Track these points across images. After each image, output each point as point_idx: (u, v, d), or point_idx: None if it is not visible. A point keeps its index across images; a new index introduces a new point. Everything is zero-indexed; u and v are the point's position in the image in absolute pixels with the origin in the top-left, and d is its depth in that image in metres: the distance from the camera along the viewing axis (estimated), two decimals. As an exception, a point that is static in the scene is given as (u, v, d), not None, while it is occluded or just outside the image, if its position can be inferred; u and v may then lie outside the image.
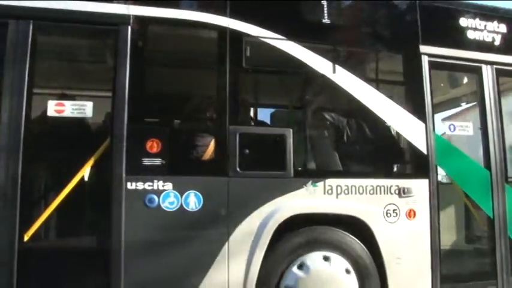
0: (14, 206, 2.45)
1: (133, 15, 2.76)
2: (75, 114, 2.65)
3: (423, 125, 3.27)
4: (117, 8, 2.76)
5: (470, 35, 3.52)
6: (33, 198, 2.66)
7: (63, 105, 2.63)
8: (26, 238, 2.48)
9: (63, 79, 3.05)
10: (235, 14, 2.94)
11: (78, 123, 2.78)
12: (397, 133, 3.28)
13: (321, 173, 3.04)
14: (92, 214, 2.83)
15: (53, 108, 2.59)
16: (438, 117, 3.61)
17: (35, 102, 2.59)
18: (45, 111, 2.57)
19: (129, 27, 2.74)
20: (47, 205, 2.58)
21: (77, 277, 2.56)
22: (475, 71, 3.54)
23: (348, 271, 2.93)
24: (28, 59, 2.58)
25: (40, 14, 2.63)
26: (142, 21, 2.78)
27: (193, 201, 2.73)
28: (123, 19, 2.74)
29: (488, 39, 3.57)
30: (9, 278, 2.40)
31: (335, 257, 2.90)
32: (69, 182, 2.58)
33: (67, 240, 2.77)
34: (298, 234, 2.88)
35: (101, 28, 2.76)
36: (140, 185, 2.65)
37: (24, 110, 2.53)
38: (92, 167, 2.65)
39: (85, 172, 2.62)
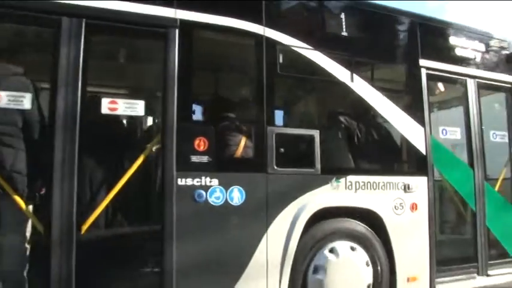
0: (71, 200, 2.51)
1: (179, 19, 2.90)
2: (128, 113, 2.75)
3: (422, 129, 3.75)
4: (165, 11, 2.88)
5: (459, 52, 4.07)
6: (89, 193, 2.70)
7: (116, 103, 2.71)
8: (82, 230, 2.54)
9: (114, 78, 3.08)
10: (271, 23, 3.19)
11: (130, 121, 2.85)
12: (402, 136, 3.71)
13: (343, 171, 3.38)
14: (145, 208, 2.92)
15: (106, 106, 2.67)
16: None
17: (88, 99, 2.64)
18: (98, 108, 2.64)
19: (177, 30, 2.88)
20: (101, 200, 2.65)
21: (132, 266, 2.67)
22: (461, 83, 4.09)
23: (367, 264, 3.31)
24: (81, 57, 2.63)
25: (93, 13, 2.68)
26: (188, 25, 2.92)
27: (236, 196, 2.94)
28: (172, 22, 2.87)
29: (472, 56, 4.13)
30: (68, 267, 2.46)
31: (359, 249, 3.27)
32: (122, 177, 2.68)
33: (121, 233, 2.84)
34: (328, 224, 3.20)
35: (151, 30, 2.86)
36: (189, 181, 2.81)
37: (79, 107, 2.58)
38: (144, 164, 2.76)
39: (137, 168, 2.72)
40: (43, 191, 2.62)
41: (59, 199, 2.49)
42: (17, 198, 2.51)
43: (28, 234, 2.59)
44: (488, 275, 3.95)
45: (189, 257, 2.75)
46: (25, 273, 2.52)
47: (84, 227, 2.55)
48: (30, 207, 2.58)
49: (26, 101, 2.55)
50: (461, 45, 4.11)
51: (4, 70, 2.59)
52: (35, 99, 2.58)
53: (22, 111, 2.56)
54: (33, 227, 2.55)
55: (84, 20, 2.67)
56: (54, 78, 2.59)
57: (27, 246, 2.59)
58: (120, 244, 2.75)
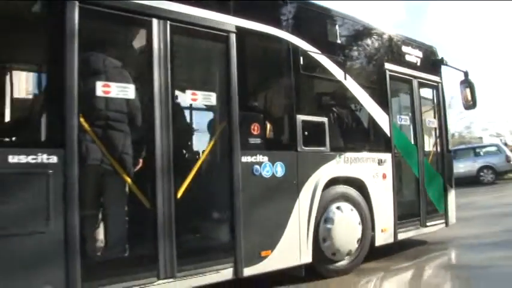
0: (169, 172, 3.05)
1: (236, 25, 3.55)
2: (204, 102, 3.33)
3: (387, 117, 4.96)
4: (227, 18, 3.50)
5: (408, 58, 5.38)
6: (180, 167, 3.20)
7: (196, 94, 3.28)
8: (178, 195, 3.11)
9: (190, 72, 3.53)
10: (294, 32, 4.02)
11: (205, 109, 3.42)
12: (376, 123, 4.87)
13: (342, 149, 4.39)
14: (219, 178, 3.51)
15: (190, 97, 3.22)
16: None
17: (175, 90, 3.16)
18: (183, 100, 3.18)
19: (234, 35, 3.52)
20: (189, 171, 3.21)
21: (213, 220, 3.34)
22: (408, 82, 5.41)
23: (359, 223, 4.40)
24: (169, 53, 3.13)
25: (175, 16, 3.19)
26: (242, 31, 3.58)
27: (279, 169, 3.75)
28: (231, 28, 3.51)
29: (415, 61, 5.49)
30: (170, 224, 3.02)
31: (355, 211, 4.35)
32: (202, 155, 3.28)
33: (203, 196, 3.41)
34: (331, 189, 4.19)
35: (217, 34, 3.45)
36: (249, 159, 3.53)
37: (170, 96, 3.10)
38: (216, 144, 3.38)
39: (212, 147, 3.34)
40: (143, 167, 3.08)
41: (160, 172, 3.02)
42: (125, 175, 2.96)
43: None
44: (426, 226, 5.41)
45: (250, 215, 3.48)
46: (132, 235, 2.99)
47: (179, 193, 3.12)
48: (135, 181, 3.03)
49: (130, 91, 2.98)
50: (410, 53, 5.44)
51: (111, 64, 2.96)
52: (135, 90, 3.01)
53: (127, 100, 2.98)
54: (138, 197, 3.01)
55: (168, 22, 3.16)
56: (147, 72, 3.06)
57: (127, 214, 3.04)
58: (203, 204, 3.37)
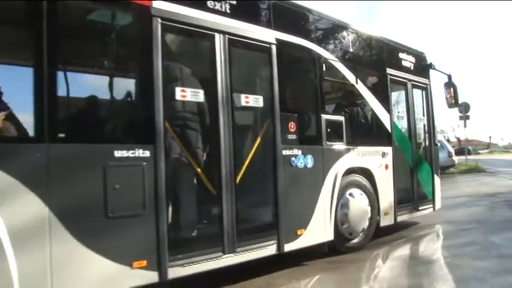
0: (231, 162, 3.63)
1: (275, 38, 4.14)
2: (254, 104, 3.91)
3: (389, 115, 5.70)
4: (269, 32, 4.08)
5: (403, 63, 6.14)
6: (237, 157, 3.74)
7: (248, 97, 3.85)
8: (237, 181, 3.69)
9: (243, 79, 4.04)
10: (318, 42, 4.65)
11: (255, 110, 3.98)
12: (380, 120, 5.60)
13: (355, 143, 5.07)
14: (266, 168, 4.07)
15: (244, 100, 3.79)
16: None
17: (232, 94, 3.72)
18: (239, 103, 3.75)
19: (275, 46, 4.11)
20: (244, 161, 3.79)
21: (262, 201, 3.97)
22: (404, 84, 6.17)
23: (368, 205, 5.12)
24: (227, 63, 3.68)
25: (232, 31, 3.74)
26: (280, 43, 4.17)
27: (310, 161, 4.39)
28: (273, 40, 4.09)
29: (409, 66, 6.26)
30: (232, 205, 3.61)
31: (364, 195, 5.07)
32: (252, 148, 3.87)
33: (255, 181, 3.96)
34: (347, 178, 4.87)
35: (262, 45, 4.02)
36: (288, 152, 4.15)
37: (230, 99, 3.66)
38: (263, 139, 3.98)
39: (260, 141, 3.93)
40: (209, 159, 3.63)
41: (224, 162, 3.59)
42: (197, 166, 3.50)
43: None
44: (418, 210, 6.24)
45: (288, 199, 4.10)
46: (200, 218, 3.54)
47: (237, 179, 3.69)
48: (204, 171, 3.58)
49: (200, 95, 3.52)
50: (405, 58, 6.20)
51: (186, 72, 3.47)
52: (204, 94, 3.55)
53: (198, 103, 3.51)
54: (206, 184, 3.56)
55: (227, 35, 3.70)
56: (211, 78, 3.60)
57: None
58: (254, 190, 3.94)
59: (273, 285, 3.85)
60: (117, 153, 2.95)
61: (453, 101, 6.98)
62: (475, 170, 19.52)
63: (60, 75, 2.77)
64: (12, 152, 2.55)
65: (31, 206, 2.56)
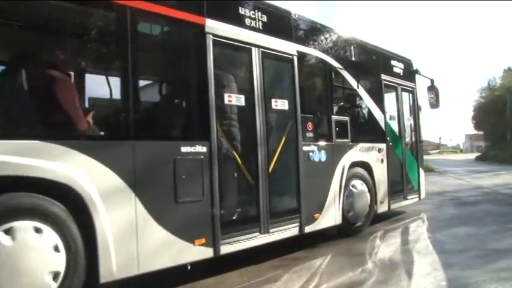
0: (266, 155, 4.30)
1: (297, 50, 4.82)
2: (281, 107, 4.58)
3: (383, 115, 6.51)
4: (291, 45, 4.75)
5: (394, 70, 6.97)
6: (270, 152, 4.40)
7: (277, 101, 4.52)
8: (270, 170, 4.36)
9: (272, 85, 4.66)
10: (328, 53, 5.38)
11: (281, 112, 4.64)
12: (377, 120, 6.39)
13: (357, 140, 5.83)
14: (290, 161, 4.73)
15: (274, 104, 4.46)
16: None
17: (265, 99, 4.37)
18: (270, 106, 4.41)
19: (296, 57, 4.79)
20: (274, 155, 4.45)
21: (286, 193, 4.66)
22: (395, 88, 7.01)
23: (368, 192, 5.90)
24: (261, 72, 4.33)
25: (264, 44, 4.39)
26: (300, 54, 4.86)
27: (323, 155, 5.11)
28: (295, 51, 4.78)
29: (399, 71, 7.09)
30: (266, 193, 4.28)
31: (365, 185, 5.86)
32: (280, 144, 4.54)
33: (281, 171, 4.59)
34: (351, 170, 5.63)
35: (287, 57, 4.69)
36: (306, 148, 4.85)
37: (264, 105, 4.32)
38: (288, 136, 4.65)
39: (286, 138, 4.62)
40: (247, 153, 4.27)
41: (259, 156, 4.25)
42: (240, 159, 4.14)
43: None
44: (407, 199, 7.10)
45: (307, 188, 4.81)
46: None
47: (270, 169, 4.36)
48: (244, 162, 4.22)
49: (242, 100, 4.16)
50: (396, 65, 7.03)
51: (231, 80, 4.09)
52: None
53: (239, 106, 4.14)
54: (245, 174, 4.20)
55: (260, 49, 4.36)
56: (249, 85, 4.24)
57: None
58: (281, 179, 4.60)
59: (299, 258, 4.55)
60: (183, 149, 3.56)
61: (435, 102, 7.89)
62: (425, 169, 20.98)
63: (142, 85, 3.35)
64: (107, 147, 3.12)
65: (121, 189, 3.14)
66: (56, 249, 2.79)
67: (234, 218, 4.12)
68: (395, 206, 6.76)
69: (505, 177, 12.32)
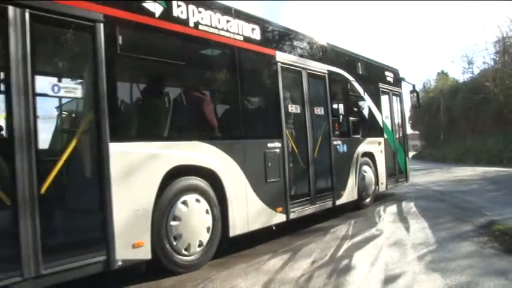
0: (310, 152, 5.91)
1: (327, 69, 6.46)
2: (320, 113, 6.20)
3: (380, 115, 8.30)
4: (323, 66, 6.38)
5: (387, 78, 8.78)
6: (314, 145, 6.02)
7: (317, 109, 6.14)
8: (315, 159, 5.97)
9: (315, 97, 6.24)
10: (346, 70, 7.06)
11: (320, 117, 6.26)
12: (376, 118, 8.16)
13: (365, 136, 7.57)
14: (325, 152, 6.34)
15: (316, 110, 6.08)
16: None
17: (312, 109, 5.98)
18: (313, 112, 6.03)
19: (327, 75, 6.43)
20: (316, 148, 6.06)
21: (324, 177, 6.27)
22: (387, 93, 8.82)
23: (374, 176, 7.67)
24: (308, 89, 5.93)
25: (310, 67, 6.00)
26: (329, 72, 6.50)
27: (345, 147, 6.80)
28: (326, 71, 6.41)
29: (391, 80, 8.91)
30: (311, 176, 5.90)
31: (371, 170, 7.62)
32: (319, 141, 6.17)
33: (321, 160, 6.18)
34: (362, 159, 7.36)
35: (322, 75, 6.32)
36: (335, 142, 6.54)
37: (311, 111, 5.92)
38: (324, 135, 6.29)
39: (322, 137, 6.25)
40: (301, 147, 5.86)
41: (309, 149, 5.85)
42: (297, 152, 5.72)
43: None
44: (398, 181, 8.95)
45: (337, 172, 6.48)
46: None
47: (315, 158, 5.97)
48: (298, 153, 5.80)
49: (299, 109, 5.73)
50: (388, 75, 8.84)
51: (291, 94, 5.64)
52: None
53: (296, 113, 5.71)
54: (300, 162, 5.78)
55: (306, 71, 5.95)
56: (301, 97, 5.84)
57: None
58: (322, 164, 6.21)
59: (333, 225, 6.20)
60: (269, 145, 5.11)
61: (416, 103, 9.84)
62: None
63: (243, 101, 4.87)
64: (230, 144, 4.60)
65: (238, 172, 4.65)
66: (207, 212, 4.28)
67: (296, 193, 5.69)
68: (390, 186, 8.59)
69: (437, 175, 12.71)
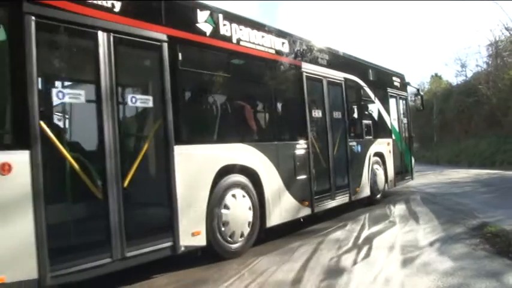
0: (332, 150, 6.52)
1: (343, 77, 7.07)
2: (338, 117, 6.81)
3: (389, 118, 8.93)
4: (340, 73, 7.00)
5: (395, 83, 9.42)
6: (334, 146, 6.64)
7: (336, 112, 6.75)
8: (334, 158, 6.58)
9: (335, 102, 6.85)
10: (360, 77, 7.69)
11: (338, 120, 6.87)
12: (385, 121, 8.79)
13: (376, 137, 8.19)
14: (342, 152, 6.95)
15: (335, 114, 6.70)
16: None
17: (330, 113, 6.59)
18: (332, 116, 6.64)
19: (343, 82, 7.05)
20: (334, 148, 6.67)
21: (344, 174, 6.88)
22: (395, 97, 9.45)
23: (383, 175, 8.32)
24: (328, 95, 6.55)
25: (329, 76, 6.62)
26: (345, 79, 7.12)
27: (359, 148, 7.43)
28: (342, 78, 7.03)
29: (397, 85, 9.55)
30: (332, 173, 6.51)
31: (382, 168, 8.25)
32: (337, 142, 6.78)
33: (339, 157, 6.79)
34: (373, 158, 7.99)
35: (339, 82, 6.94)
36: (351, 143, 7.16)
37: (330, 116, 6.54)
38: (341, 136, 6.91)
39: (340, 138, 6.87)
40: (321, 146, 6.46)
41: (329, 149, 6.46)
42: (319, 152, 6.33)
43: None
44: (404, 179, 9.60)
45: (352, 170, 7.10)
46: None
47: (334, 157, 6.58)
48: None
49: (320, 113, 6.33)
50: (396, 80, 9.47)
51: (314, 100, 6.25)
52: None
53: (317, 117, 6.31)
54: (322, 161, 6.39)
55: (327, 79, 6.56)
56: (320, 103, 6.45)
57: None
58: (339, 161, 6.81)
59: (351, 217, 6.80)
60: (297, 146, 5.72)
61: (420, 105, 10.50)
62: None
63: (275, 107, 5.48)
64: (266, 146, 5.19)
65: (273, 170, 5.25)
66: (249, 209, 4.86)
67: (319, 189, 6.29)
68: (398, 184, 9.23)
69: (430, 177, 12.69)
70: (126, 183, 3.60)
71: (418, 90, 10.51)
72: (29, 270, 2.99)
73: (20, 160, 2.97)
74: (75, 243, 3.36)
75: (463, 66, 25.94)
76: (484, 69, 22.76)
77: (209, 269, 4.26)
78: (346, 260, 4.31)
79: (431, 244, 4.79)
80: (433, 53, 55.55)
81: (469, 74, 25.37)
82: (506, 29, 18.82)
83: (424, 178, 12.54)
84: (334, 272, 3.95)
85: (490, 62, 22.49)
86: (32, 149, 3.03)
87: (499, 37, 20.33)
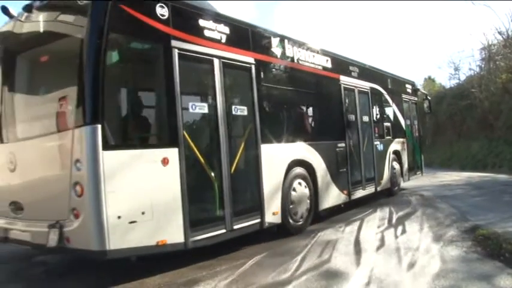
0: (362, 148, 7.76)
1: (369, 86, 8.32)
2: (365, 120, 8.05)
3: (404, 120, 10.21)
4: (367, 83, 8.25)
5: (407, 90, 10.71)
6: (363, 145, 7.86)
7: (365, 117, 7.99)
8: (363, 154, 7.82)
9: (363, 108, 8.08)
10: (381, 85, 8.94)
11: (366, 123, 8.10)
12: (400, 122, 10.06)
13: (393, 137, 9.45)
14: (369, 150, 8.20)
15: (364, 118, 7.94)
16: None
17: (361, 117, 7.83)
18: (362, 119, 7.88)
19: (369, 90, 8.30)
20: (363, 146, 7.91)
21: (372, 168, 8.13)
22: (408, 102, 10.74)
23: (400, 170, 9.60)
24: (359, 102, 7.79)
25: (358, 86, 7.86)
26: (371, 88, 8.36)
27: (382, 146, 8.71)
28: (369, 88, 8.28)
29: (409, 91, 10.84)
30: (363, 167, 7.75)
31: (398, 163, 9.54)
32: (365, 141, 8.02)
33: (366, 155, 8.05)
34: (392, 155, 9.27)
35: (366, 90, 8.18)
36: (375, 142, 8.45)
37: (361, 119, 7.78)
38: (368, 137, 8.14)
39: (368, 139, 8.12)
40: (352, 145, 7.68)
41: (360, 146, 7.70)
42: (353, 149, 7.55)
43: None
44: (416, 174, 10.90)
45: (377, 165, 8.35)
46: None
47: (363, 153, 7.82)
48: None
49: (354, 117, 7.56)
50: (408, 87, 10.76)
51: (351, 106, 7.48)
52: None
53: (352, 121, 7.53)
54: (355, 157, 7.61)
55: (357, 88, 7.80)
56: (354, 109, 7.68)
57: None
58: (367, 159, 8.05)
59: (374, 207, 8.02)
60: (338, 145, 6.95)
61: (428, 109, 11.84)
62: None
63: (318, 111, 6.71)
64: (317, 144, 6.40)
65: (322, 164, 6.46)
66: (308, 194, 6.07)
67: (353, 180, 7.51)
68: (411, 178, 10.52)
69: (423, 179, 12.48)
70: (232, 170, 4.80)
71: (426, 95, 11.82)
72: (179, 235, 4.14)
73: (173, 155, 4.13)
74: (205, 216, 4.55)
75: (456, 69, 25.84)
76: (477, 72, 22.78)
77: (287, 243, 5.37)
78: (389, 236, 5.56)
79: (423, 247, 4.79)
80: (426, 56, 57.12)
81: (462, 77, 25.63)
82: (499, 33, 19.29)
83: (417, 180, 12.16)
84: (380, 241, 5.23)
85: (483, 66, 22.44)
86: (179, 147, 4.20)
87: (492, 41, 20.49)
